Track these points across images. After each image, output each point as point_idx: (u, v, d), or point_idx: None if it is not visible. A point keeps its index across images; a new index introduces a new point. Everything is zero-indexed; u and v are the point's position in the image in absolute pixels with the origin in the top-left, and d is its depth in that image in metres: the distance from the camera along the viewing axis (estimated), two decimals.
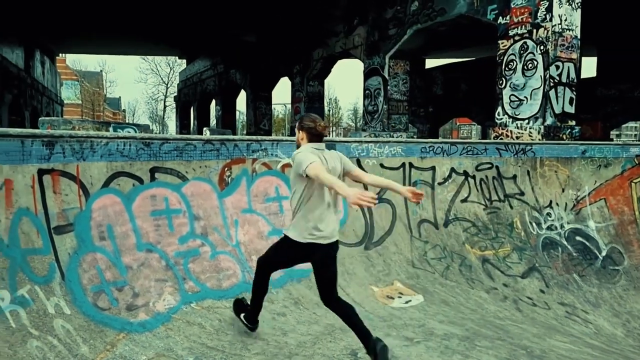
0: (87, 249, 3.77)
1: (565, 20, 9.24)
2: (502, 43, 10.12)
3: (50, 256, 3.51)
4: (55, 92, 36.77)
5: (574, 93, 9.52)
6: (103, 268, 3.78)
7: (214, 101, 33.07)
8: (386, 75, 15.27)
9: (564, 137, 9.18)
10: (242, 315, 3.79)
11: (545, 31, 9.21)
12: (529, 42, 9.53)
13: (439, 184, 6.59)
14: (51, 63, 35.24)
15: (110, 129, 11.18)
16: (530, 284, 6.18)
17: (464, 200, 6.69)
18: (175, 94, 43.77)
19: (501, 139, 9.74)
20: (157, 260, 4.15)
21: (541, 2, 9.26)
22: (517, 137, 9.54)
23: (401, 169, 6.32)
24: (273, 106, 30.90)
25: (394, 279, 5.35)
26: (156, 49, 36.66)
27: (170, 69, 54.74)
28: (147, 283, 3.97)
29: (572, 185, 7.44)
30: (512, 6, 9.88)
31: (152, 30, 25.81)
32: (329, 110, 58.95)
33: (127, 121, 64.69)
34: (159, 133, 45.39)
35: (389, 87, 15.38)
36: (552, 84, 9.22)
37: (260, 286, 3.63)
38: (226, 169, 4.91)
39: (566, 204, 7.30)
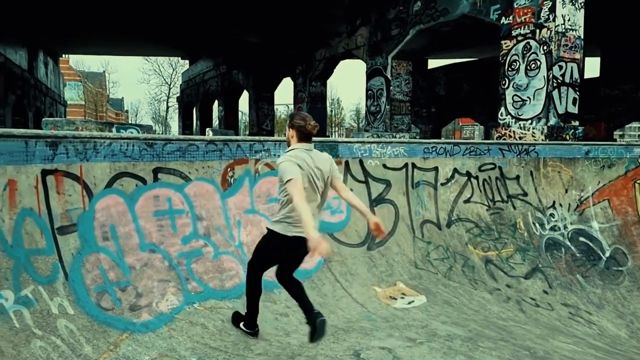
0: (91, 249, 3.78)
1: (569, 20, 9.22)
2: (505, 43, 10.10)
3: (53, 256, 3.52)
4: (59, 93, 36.88)
5: (578, 93, 9.49)
6: (106, 268, 3.78)
7: (216, 102, 33.11)
8: (389, 76, 15.25)
9: (567, 138, 9.15)
10: (241, 325, 3.83)
11: (549, 31, 9.18)
12: (532, 42, 9.51)
13: (442, 184, 6.57)
14: (54, 64, 35.34)
15: (113, 129, 11.20)
16: (534, 284, 6.16)
17: (467, 201, 6.68)
18: (178, 95, 43.85)
19: (504, 139, 9.71)
20: (160, 261, 4.16)
21: (544, 2, 9.24)
22: (520, 138, 9.51)
23: (404, 169, 6.31)
24: (275, 107, 30.89)
25: (396, 280, 5.34)
26: (159, 49, 36.74)
27: (173, 70, 54.92)
28: (150, 283, 3.97)
29: (576, 185, 7.41)
30: (515, 6, 9.85)
31: (154, 31, 25.86)
32: (332, 111, 58.93)
33: (129, 122, 64.83)
34: (162, 134, 45.49)
35: (391, 88, 15.37)
36: (555, 84, 9.20)
37: (254, 289, 3.67)
38: (229, 169, 4.92)
39: (569, 204, 7.28)
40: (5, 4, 19.36)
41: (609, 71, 18.00)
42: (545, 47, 9.25)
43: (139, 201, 4.22)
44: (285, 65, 22.54)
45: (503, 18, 10.19)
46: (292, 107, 28.42)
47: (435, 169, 6.55)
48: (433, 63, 24.35)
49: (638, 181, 7.61)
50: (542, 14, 9.30)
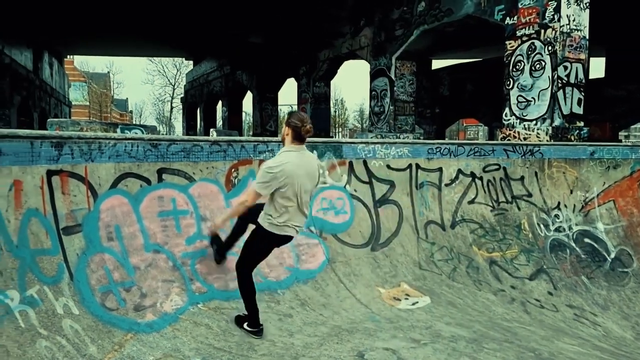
0: (95, 249, 3.79)
1: (574, 20, 9.18)
2: (510, 44, 10.07)
3: (59, 257, 3.53)
4: (63, 94, 37.05)
5: (582, 94, 9.45)
6: (111, 268, 3.80)
7: (220, 102, 33.16)
8: (392, 76, 15.24)
9: (572, 138, 9.11)
10: (245, 325, 3.85)
11: (553, 31, 9.15)
12: (537, 43, 9.48)
13: (446, 185, 6.56)
14: (59, 65, 35.52)
15: (118, 130, 11.23)
16: (538, 286, 6.13)
17: (471, 202, 6.66)
18: (182, 95, 43.96)
19: (508, 140, 9.68)
20: (165, 261, 4.17)
21: (549, 3, 9.20)
22: (525, 138, 9.48)
23: (408, 170, 6.30)
24: (279, 107, 30.94)
25: (400, 281, 5.34)
26: (163, 50, 36.82)
27: (177, 71, 55.01)
28: (155, 284, 3.98)
29: (581, 186, 7.38)
30: (520, 6, 9.82)
31: (159, 32, 25.93)
32: (335, 111, 58.95)
33: (134, 122, 65.07)
34: (166, 134, 45.58)
35: (395, 88, 15.35)
36: (560, 85, 9.16)
37: (248, 289, 3.79)
38: (233, 170, 4.92)
39: (574, 205, 7.24)
40: (10, 5, 19.48)
41: (614, 71, 17.92)
42: (550, 48, 9.21)
43: (143, 202, 4.23)
44: (289, 66, 22.56)
45: (507, 18, 10.16)
46: (295, 107, 28.44)
47: (440, 169, 6.54)
48: (437, 63, 24.30)
49: None
50: (546, 14, 9.27)
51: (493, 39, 13.54)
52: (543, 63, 9.35)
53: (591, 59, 15.18)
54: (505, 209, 6.82)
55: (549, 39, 9.24)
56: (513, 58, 9.99)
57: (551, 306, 5.84)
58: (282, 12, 19.76)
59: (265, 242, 3.72)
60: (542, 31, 9.36)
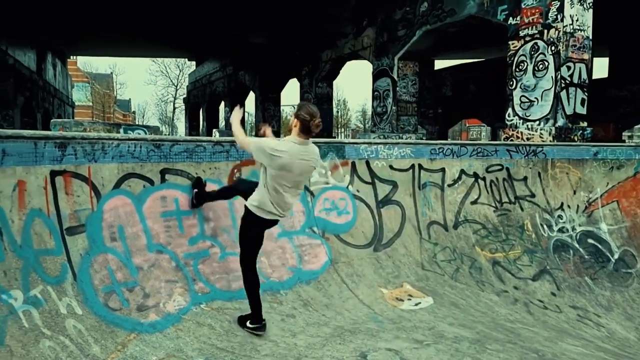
0: (99, 249, 3.80)
1: (577, 20, 9.16)
2: (513, 44, 10.05)
3: (62, 257, 3.54)
4: (67, 94, 37.17)
5: (586, 94, 9.43)
6: (114, 269, 3.80)
7: (223, 103, 33.22)
8: (395, 77, 15.23)
9: (576, 139, 9.09)
10: (247, 323, 3.85)
11: (557, 32, 9.13)
12: (540, 43, 9.46)
13: (449, 185, 6.55)
14: (62, 65, 35.62)
15: (121, 130, 11.27)
16: (542, 286, 6.12)
17: (474, 202, 6.65)
18: (185, 96, 44.05)
19: (511, 140, 9.66)
20: (168, 261, 4.17)
21: (552, 3, 9.18)
22: (528, 139, 9.46)
23: (410, 170, 6.30)
24: (282, 107, 30.96)
25: (403, 281, 5.33)
26: (166, 51, 36.91)
27: (180, 71, 55.12)
28: (158, 284, 3.99)
29: (584, 187, 7.36)
30: (523, 6, 9.81)
31: (161, 33, 26.00)
32: (338, 112, 58.89)
33: (137, 123, 65.18)
34: (169, 135, 45.69)
35: (397, 89, 15.35)
36: (563, 85, 9.14)
37: (252, 282, 3.83)
38: (236, 170, 4.93)
39: (578, 206, 7.22)
40: (14, 6, 19.56)
41: (617, 71, 17.86)
42: (553, 48, 9.19)
43: (146, 202, 4.24)
44: (292, 66, 22.57)
45: (510, 18, 10.15)
46: None
47: (442, 170, 6.53)
48: (440, 64, 24.28)
49: None
50: (550, 14, 9.25)
51: (496, 39, 13.53)
52: (546, 63, 9.33)
53: (594, 59, 15.13)
54: (508, 210, 6.81)
55: (552, 39, 9.22)
56: (516, 58, 9.97)
57: (554, 307, 5.82)
58: (285, 13, 19.78)
59: (256, 228, 3.79)
60: (545, 31, 9.34)
